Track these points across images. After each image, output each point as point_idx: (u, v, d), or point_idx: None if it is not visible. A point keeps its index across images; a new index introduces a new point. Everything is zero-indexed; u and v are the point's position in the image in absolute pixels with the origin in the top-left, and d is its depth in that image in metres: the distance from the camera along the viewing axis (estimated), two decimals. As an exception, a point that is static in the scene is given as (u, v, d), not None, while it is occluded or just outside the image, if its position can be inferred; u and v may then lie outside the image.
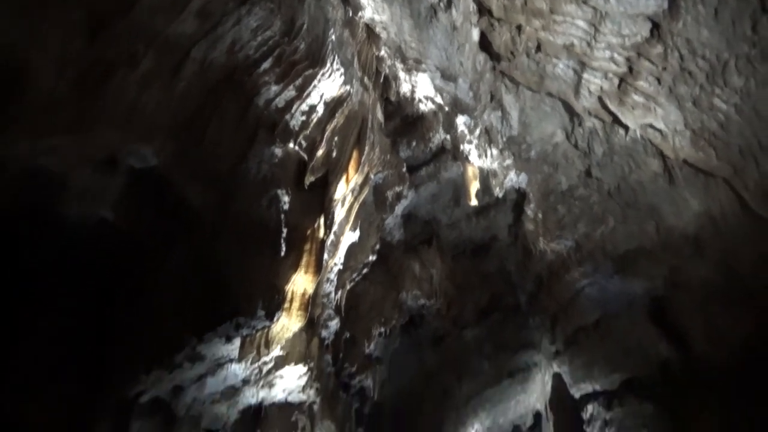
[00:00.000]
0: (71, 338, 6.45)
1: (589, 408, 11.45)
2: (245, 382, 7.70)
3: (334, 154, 8.13)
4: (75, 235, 6.74)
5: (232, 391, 7.69)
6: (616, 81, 8.15)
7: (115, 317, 6.72)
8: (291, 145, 7.73)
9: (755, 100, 7.42)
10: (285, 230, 7.47)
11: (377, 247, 9.22)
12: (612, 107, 8.43)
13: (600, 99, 8.49)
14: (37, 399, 6.09)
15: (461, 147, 9.64)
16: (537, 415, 12.47)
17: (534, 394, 11.98)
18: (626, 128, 8.70)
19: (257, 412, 7.95)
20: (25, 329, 6.14)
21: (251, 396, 7.81)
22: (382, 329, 9.51)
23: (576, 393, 10.96)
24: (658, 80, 7.82)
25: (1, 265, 6.07)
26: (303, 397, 8.06)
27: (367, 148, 8.47)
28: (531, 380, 11.75)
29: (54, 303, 6.37)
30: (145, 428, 7.15)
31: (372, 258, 9.15)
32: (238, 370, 7.49)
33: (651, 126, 8.39)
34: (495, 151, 9.60)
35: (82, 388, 6.41)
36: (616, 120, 8.60)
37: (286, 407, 8.00)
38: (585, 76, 8.26)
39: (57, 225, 6.70)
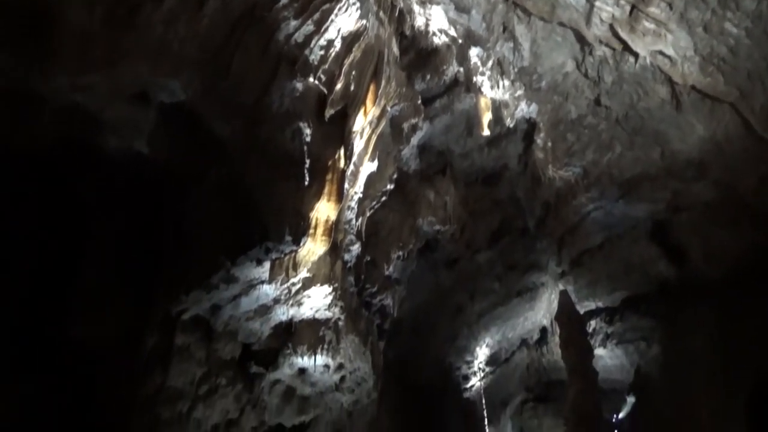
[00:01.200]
0: (124, 265, 7.09)
1: (592, 323, 12.25)
2: (276, 301, 8.34)
3: (352, 87, 8.38)
4: (115, 168, 7.24)
5: (265, 309, 8.35)
6: (627, 8, 8.25)
7: (159, 244, 7.31)
8: (311, 79, 7.98)
9: (766, 23, 7.56)
10: (308, 161, 7.85)
11: (394, 176, 9.64)
12: (623, 35, 8.57)
13: (611, 27, 8.61)
14: (98, 319, 6.83)
15: (474, 79, 9.85)
16: (543, 330, 13.31)
17: (541, 312, 12.76)
18: (636, 56, 8.86)
19: (288, 328, 8.68)
20: (86, 257, 6.80)
21: (282, 313, 8.49)
22: (400, 253, 10.10)
23: (580, 310, 11.69)
24: (670, 6, 7.93)
25: (57, 199, 6.62)
26: (329, 314, 8.75)
27: (383, 81, 8.70)
28: (538, 299, 12.48)
29: (107, 233, 6.97)
30: (187, 341, 7.89)
31: (390, 187, 9.60)
32: (269, 291, 8.08)
33: (661, 53, 8.56)
34: (506, 82, 9.81)
35: (134, 308, 7.14)
36: (627, 48, 8.75)
37: (313, 323, 8.72)
38: (597, 4, 8.35)
39: (98, 159, 7.19)
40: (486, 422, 13.34)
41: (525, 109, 10.46)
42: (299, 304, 8.47)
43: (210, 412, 8.09)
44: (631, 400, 11.45)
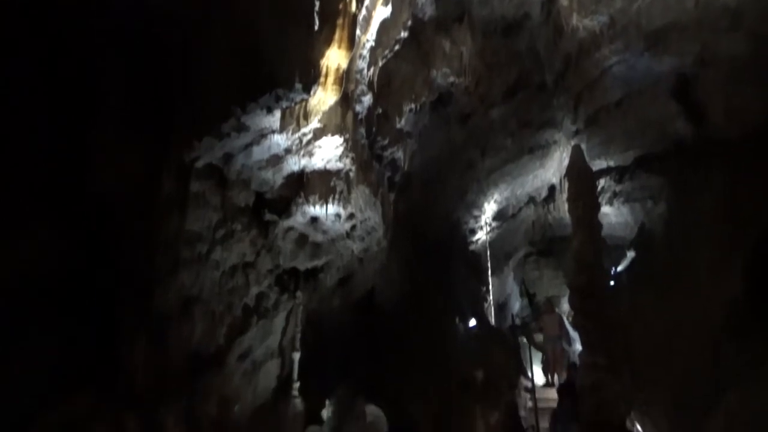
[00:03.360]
0: (136, 115, 7.07)
1: (602, 182, 12.34)
2: (287, 151, 8.40)
3: None
4: (121, 16, 6.95)
5: (276, 159, 8.44)
6: None
7: (170, 94, 7.22)
8: None
9: None
10: (318, 3, 7.45)
11: (409, 23, 9.16)
12: None
13: None
14: (115, 168, 6.99)
15: None
16: (551, 188, 13.48)
17: (551, 170, 12.82)
18: None
19: (300, 178, 8.84)
20: (99, 112, 6.80)
21: (294, 164, 8.59)
22: (413, 105, 9.91)
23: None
24: None
25: (66, 50, 6.43)
26: (340, 165, 8.84)
27: None
28: (549, 157, 12.46)
29: (118, 86, 6.89)
30: (202, 188, 8.10)
31: (404, 34, 9.17)
32: (280, 141, 8.10)
33: None
34: None
35: (148, 157, 7.26)
36: None
37: (325, 174, 8.85)
38: None
39: (102, 6, 6.88)
40: (489, 273, 14.02)
41: (552, -50, 9.66)
42: (310, 154, 8.53)
43: (227, 255, 8.54)
44: (631, 254, 11.89)
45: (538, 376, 11.35)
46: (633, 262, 11.95)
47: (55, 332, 6.78)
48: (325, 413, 8.97)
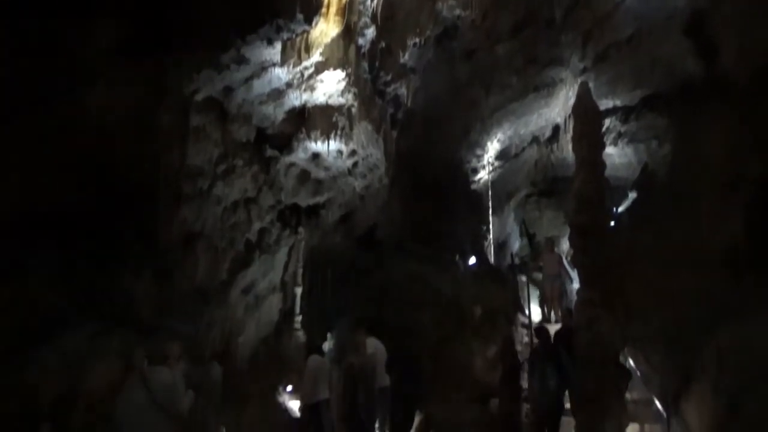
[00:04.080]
0: (135, 41, 6.88)
1: (607, 122, 12.19)
2: (288, 85, 8.24)
3: None
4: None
5: (277, 94, 8.29)
6: None
7: (170, 22, 7.00)
8: None
9: None
10: (320, -72, 7.14)
11: (414, -49, 8.82)
12: None
13: None
14: (113, 89, 6.86)
15: None
16: (555, 128, 13.33)
17: (556, 109, 12.62)
18: None
19: (301, 113, 8.72)
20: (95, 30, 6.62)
21: (295, 98, 8.45)
22: (417, 40, 9.62)
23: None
24: None
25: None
26: (342, 100, 8.69)
27: None
28: (555, 95, 12.24)
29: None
30: (203, 122, 8.00)
31: (408, -37, 8.84)
32: (281, 74, 7.93)
33: None
34: None
35: (147, 85, 7.11)
36: None
37: (327, 109, 8.71)
38: None
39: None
40: (490, 212, 14.07)
41: None
42: (312, 89, 8.38)
43: (229, 190, 8.55)
44: (632, 195, 11.90)
45: (536, 314, 11.59)
46: (634, 202, 11.97)
47: (58, 265, 6.87)
48: (326, 345, 9.22)
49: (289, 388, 9.21)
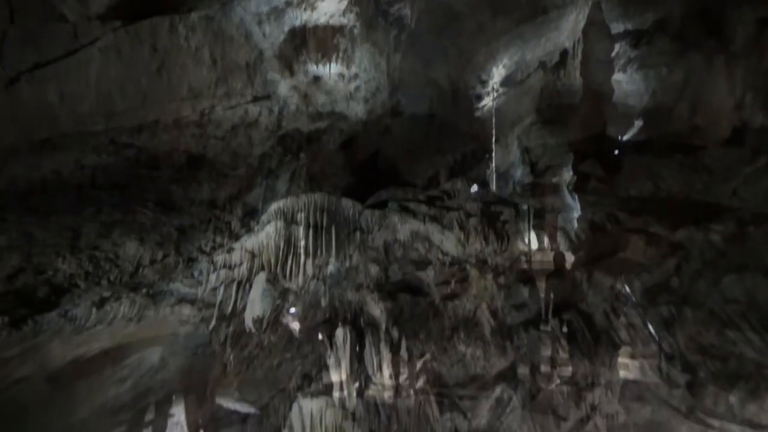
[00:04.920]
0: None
1: (617, 47, 11.79)
2: (288, 4, 7.95)
3: None
4: None
5: (276, 12, 8.01)
6: None
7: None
8: None
9: None
10: None
11: None
12: None
13: None
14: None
15: None
16: (563, 53, 12.90)
17: (565, 33, 12.15)
18: None
19: (301, 34, 8.44)
20: None
21: (295, 18, 8.16)
22: (422, -45, 9.18)
23: (607, 32, 11.15)
24: None
25: None
26: (344, 21, 8.39)
27: None
28: (564, 19, 11.75)
29: None
30: (200, 43, 7.76)
31: None
32: (280, -9, 7.63)
33: None
34: None
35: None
36: None
37: (328, 29, 8.43)
38: None
39: None
40: (494, 140, 13.87)
41: None
42: (312, 8, 8.08)
43: (230, 114, 8.43)
44: (639, 123, 11.66)
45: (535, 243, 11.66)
46: (640, 131, 11.75)
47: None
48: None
49: (293, 310, 9.44)
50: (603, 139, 10.88)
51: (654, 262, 7.63)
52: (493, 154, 13.55)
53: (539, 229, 10.09)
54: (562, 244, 8.34)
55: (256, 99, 8.62)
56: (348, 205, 8.05)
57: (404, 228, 7.91)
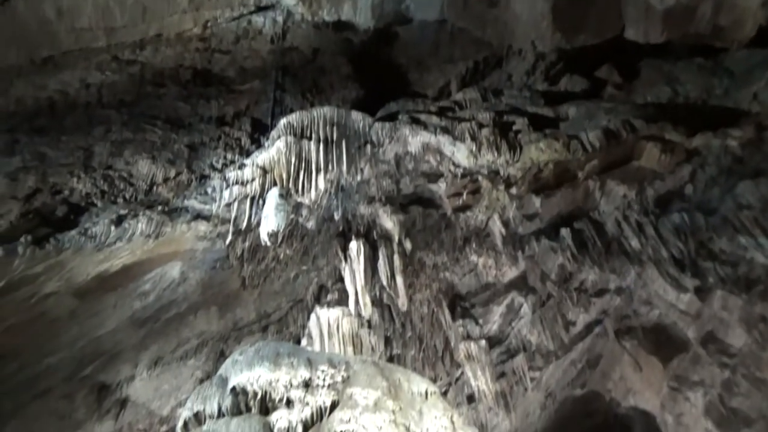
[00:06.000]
0: None
1: (640, -59, 11.03)
2: None
3: None
4: None
5: None
6: None
7: None
8: None
9: None
10: None
11: None
12: None
13: None
14: None
15: None
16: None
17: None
18: None
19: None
20: None
21: None
22: None
23: None
24: None
25: None
26: None
27: None
28: None
29: None
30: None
31: None
32: None
33: None
34: None
35: None
36: None
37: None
38: None
39: None
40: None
41: None
42: None
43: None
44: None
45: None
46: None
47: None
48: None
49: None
50: (621, 42, 10.41)
51: (668, 170, 7.54)
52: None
53: (553, 138, 9.96)
54: (575, 152, 8.24)
55: (259, 9, 8.30)
56: (358, 118, 7.93)
57: (415, 140, 7.81)
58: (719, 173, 7.23)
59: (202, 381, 7.51)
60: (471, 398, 8.28)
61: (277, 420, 4.00)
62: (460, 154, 7.78)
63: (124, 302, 7.47)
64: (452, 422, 4.24)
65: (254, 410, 4.15)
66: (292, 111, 8.55)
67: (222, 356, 8.06)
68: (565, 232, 7.45)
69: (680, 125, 7.68)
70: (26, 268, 6.20)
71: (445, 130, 7.92)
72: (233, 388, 4.26)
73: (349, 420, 3.87)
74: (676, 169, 7.48)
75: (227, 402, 4.22)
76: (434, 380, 7.85)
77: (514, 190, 7.74)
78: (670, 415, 6.55)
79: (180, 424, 4.40)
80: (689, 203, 7.19)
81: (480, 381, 7.83)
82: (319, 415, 4.07)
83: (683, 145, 7.55)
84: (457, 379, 8.51)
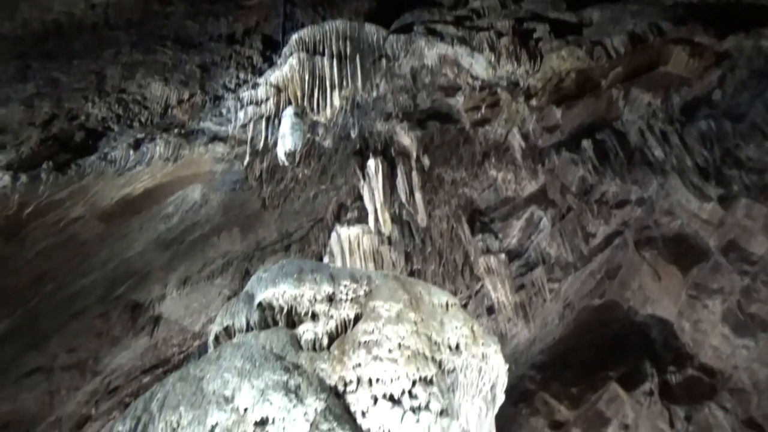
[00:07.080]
0: None
1: None
2: None
3: None
4: None
5: None
6: None
7: None
8: None
9: None
10: None
11: None
12: None
13: None
14: None
15: None
16: None
17: None
18: None
19: None
20: None
21: None
22: None
23: None
24: None
25: None
26: None
27: None
28: None
29: None
30: None
31: None
32: None
33: None
34: None
35: None
36: None
37: None
38: None
39: None
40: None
41: None
42: None
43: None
44: None
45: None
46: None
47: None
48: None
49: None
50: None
51: (696, 75, 7.24)
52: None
53: (575, 45, 9.55)
54: (599, 60, 7.91)
55: None
56: (371, 31, 7.64)
57: (431, 53, 7.54)
58: (750, 76, 6.93)
59: (229, 298, 7.78)
60: (491, 310, 8.49)
61: (303, 332, 4.15)
62: (479, 65, 7.53)
63: (149, 225, 7.63)
64: (473, 331, 4.36)
65: (281, 324, 4.31)
66: (303, 26, 8.26)
67: (247, 275, 8.30)
68: (586, 143, 7.32)
69: (711, 27, 7.28)
70: (51, 194, 6.32)
71: (463, 41, 7.62)
72: (260, 304, 4.40)
73: (373, 331, 3.99)
74: (704, 74, 7.18)
75: (255, 317, 4.38)
76: (454, 293, 8.03)
77: (534, 102, 7.53)
78: (687, 322, 6.69)
79: (211, 338, 4.61)
80: (717, 109, 6.96)
81: (499, 293, 8.00)
82: (344, 327, 4.21)
83: (713, 48, 7.19)
84: (477, 292, 8.70)
